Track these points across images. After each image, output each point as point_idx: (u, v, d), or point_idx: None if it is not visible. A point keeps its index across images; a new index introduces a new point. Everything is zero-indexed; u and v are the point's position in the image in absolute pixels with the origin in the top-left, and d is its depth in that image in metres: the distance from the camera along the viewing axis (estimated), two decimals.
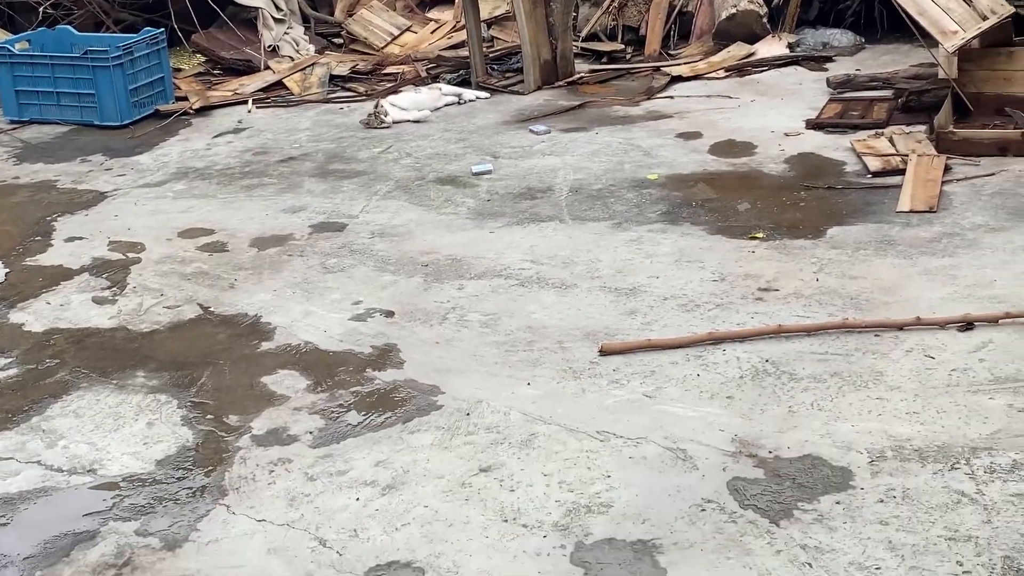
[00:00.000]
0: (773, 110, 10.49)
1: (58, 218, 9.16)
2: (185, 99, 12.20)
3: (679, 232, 7.85)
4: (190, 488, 5.41)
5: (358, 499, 5.18)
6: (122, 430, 5.98)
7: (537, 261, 7.55)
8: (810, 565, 4.50)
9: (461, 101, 11.33)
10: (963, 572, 4.38)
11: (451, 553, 4.78)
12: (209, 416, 6.06)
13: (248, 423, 5.95)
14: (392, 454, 5.55)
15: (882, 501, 4.86)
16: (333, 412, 6.00)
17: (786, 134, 9.75)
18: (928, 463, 5.09)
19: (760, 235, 7.69)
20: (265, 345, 6.75)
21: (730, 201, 8.39)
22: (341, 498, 5.23)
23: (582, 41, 12.93)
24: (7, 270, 8.18)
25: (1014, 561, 4.41)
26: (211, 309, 7.28)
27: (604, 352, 6.31)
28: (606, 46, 12.75)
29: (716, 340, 6.31)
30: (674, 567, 4.53)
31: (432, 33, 13.87)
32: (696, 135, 9.96)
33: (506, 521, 4.95)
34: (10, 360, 6.83)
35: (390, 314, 6.99)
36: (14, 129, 11.65)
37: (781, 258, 7.33)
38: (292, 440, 5.76)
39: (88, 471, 5.63)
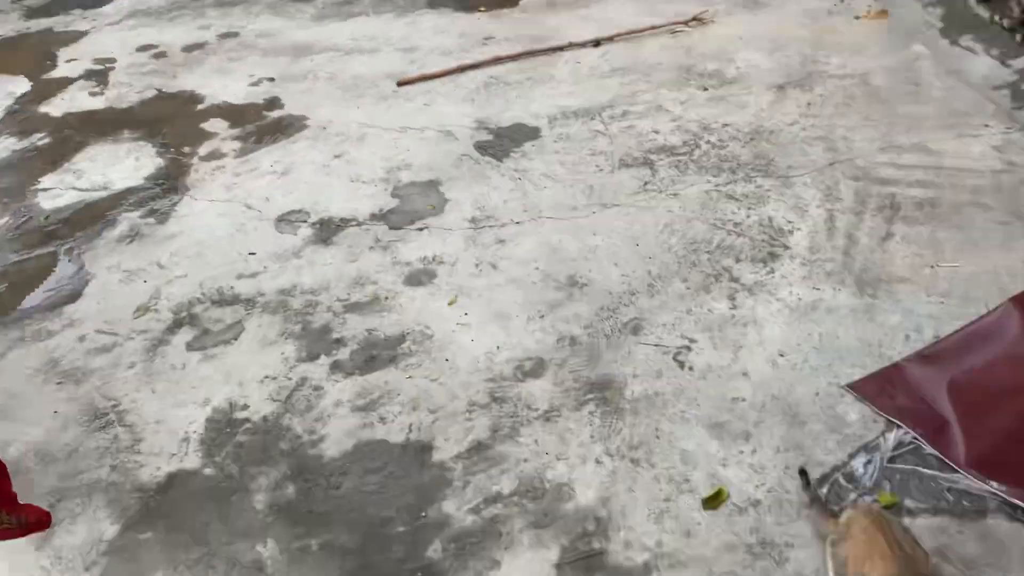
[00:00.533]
0: None
1: (60, 49, 8.28)
2: None
3: (436, 14, 7.55)
4: (167, 189, 5.30)
5: (266, 181, 5.19)
6: (120, 164, 5.72)
7: (355, 39, 7.20)
8: (520, 178, 4.78)
9: None
10: (599, 171, 4.73)
11: (323, 200, 4.88)
12: (172, 149, 5.83)
13: (196, 150, 5.75)
14: (283, 155, 5.49)
15: (556, 141, 5.12)
16: (245, 137, 5.85)
17: None
18: (580, 118, 5.34)
19: (483, 9, 7.50)
20: (199, 107, 6.39)
21: None
22: (256, 182, 5.21)
23: None
24: (31, 83, 7.47)
25: (625, 160, 4.76)
26: (163, 90, 6.80)
27: (400, 84, 6.23)
28: None
29: (463, 69, 6.28)
30: (448, 189, 4.76)
31: None
32: None
33: (352, 181, 5.05)
34: (44, 134, 6.35)
35: (272, 80, 6.65)
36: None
37: (495, 21, 7.18)
38: (223, 156, 5.62)
39: (104, 188, 5.44)
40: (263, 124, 6.06)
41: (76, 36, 8.73)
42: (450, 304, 3.94)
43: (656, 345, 3.55)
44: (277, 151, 5.57)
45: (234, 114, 6.28)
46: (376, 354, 3.70)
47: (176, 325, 4.04)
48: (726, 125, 5.03)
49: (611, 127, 5.20)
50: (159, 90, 6.86)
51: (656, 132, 5.07)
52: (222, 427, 3.44)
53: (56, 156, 6.04)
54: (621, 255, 4.06)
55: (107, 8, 9.65)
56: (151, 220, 5.02)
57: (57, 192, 5.53)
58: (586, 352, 3.56)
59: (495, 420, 3.32)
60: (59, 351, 4.01)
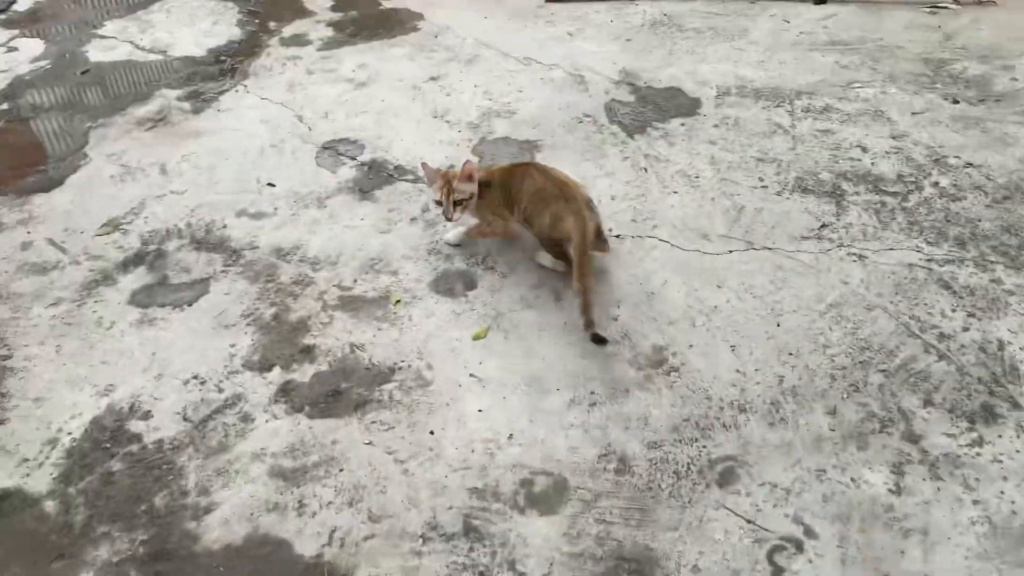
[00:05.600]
0: None
1: None
2: None
3: None
4: (225, 70, 4.33)
5: (337, 91, 4.09)
6: (194, 26, 4.82)
7: None
8: (645, 170, 3.44)
9: None
10: (761, 186, 3.32)
11: (389, 135, 3.73)
12: (256, 21, 4.85)
13: (282, 29, 4.75)
14: (373, 60, 4.36)
15: (716, 126, 3.66)
16: (343, 25, 4.76)
17: None
18: (761, 100, 3.85)
19: None
20: None
21: None
22: (325, 88, 4.11)
23: None
24: None
25: (804, 181, 3.30)
26: None
27: (549, 0, 5.00)
28: None
29: None
30: (546, 160, 3.44)
31: None
32: None
33: (435, 117, 3.85)
34: None
35: None
36: None
37: None
38: (305, 43, 4.57)
39: (161, 52, 4.54)
40: (370, 14, 4.94)
41: None
42: (475, 338, 2.77)
43: (748, 521, 2.21)
44: (369, 53, 4.44)
45: None
46: (344, 389, 2.56)
47: (136, 260, 3.07)
48: (972, 165, 3.37)
49: (800, 125, 3.69)
50: None
51: (863, 149, 3.53)
52: (102, 440, 2.43)
53: (130, 1, 5.24)
54: (747, 333, 2.67)
55: None
56: (186, 106, 4.06)
57: (112, 44, 4.69)
58: (635, 492, 2.26)
59: (453, 573, 2.12)
60: None
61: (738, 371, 2.55)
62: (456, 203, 2.91)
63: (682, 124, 3.72)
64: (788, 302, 2.78)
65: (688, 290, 2.84)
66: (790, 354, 2.60)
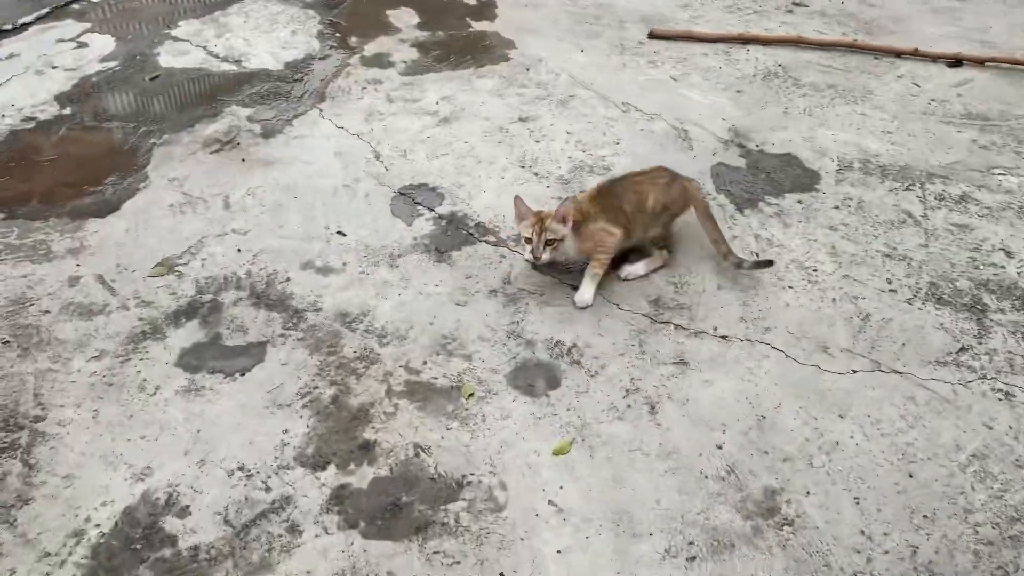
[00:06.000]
0: None
1: None
2: None
3: None
4: (300, 88, 4.07)
5: (418, 126, 3.80)
6: (272, 34, 4.56)
7: None
8: (756, 255, 3.11)
9: None
10: (889, 289, 2.94)
11: (470, 185, 3.41)
12: (338, 35, 4.59)
13: (364, 46, 4.47)
14: (458, 92, 4.06)
15: (838, 208, 3.29)
16: (428, 47, 4.47)
17: None
18: (887, 180, 3.46)
19: None
20: None
21: None
22: (406, 122, 3.82)
23: None
24: None
25: (938, 288, 2.90)
26: None
27: (652, 36, 4.56)
28: None
29: (745, 41, 4.50)
30: None
31: None
32: None
33: (523, 166, 3.53)
34: None
35: None
36: None
37: None
38: (388, 65, 4.30)
39: (235, 61, 4.29)
40: (458, 36, 4.64)
41: None
42: (556, 453, 2.46)
43: None
44: (454, 83, 4.13)
45: (432, 9, 4.88)
46: (405, 503, 2.24)
47: (188, 311, 2.80)
48: None
49: (933, 216, 3.26)
50: None
51: (1007, 254, 3.06)
52: (133, 539, 2.14)
53: (207, 0, 5.00)
54: (873, 482, 2.29)
55: None
56: (257, 128, 3.81)
57: (184, 48, 4.46)
58: None
59: None
60: (39, 287, 2.90)
61: (863, 533, 2.19)
62: (548, 243, 2.81)
63: (799, 202, 3.34)
64: (921, 446, 2.41)
65: (806, 418, 2.48)
66: (924, 517, 2.23)
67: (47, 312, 2.84)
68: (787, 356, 2.67)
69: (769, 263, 2.94)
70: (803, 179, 3.46)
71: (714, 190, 3.39)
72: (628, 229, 2.94)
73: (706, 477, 2.31)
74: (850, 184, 3.43)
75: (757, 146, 3.66)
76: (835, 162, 3.55)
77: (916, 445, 2.40)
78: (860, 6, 4.90)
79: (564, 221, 2.84)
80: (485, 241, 3.15)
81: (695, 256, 3.05)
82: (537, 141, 3.70)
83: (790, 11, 4.83)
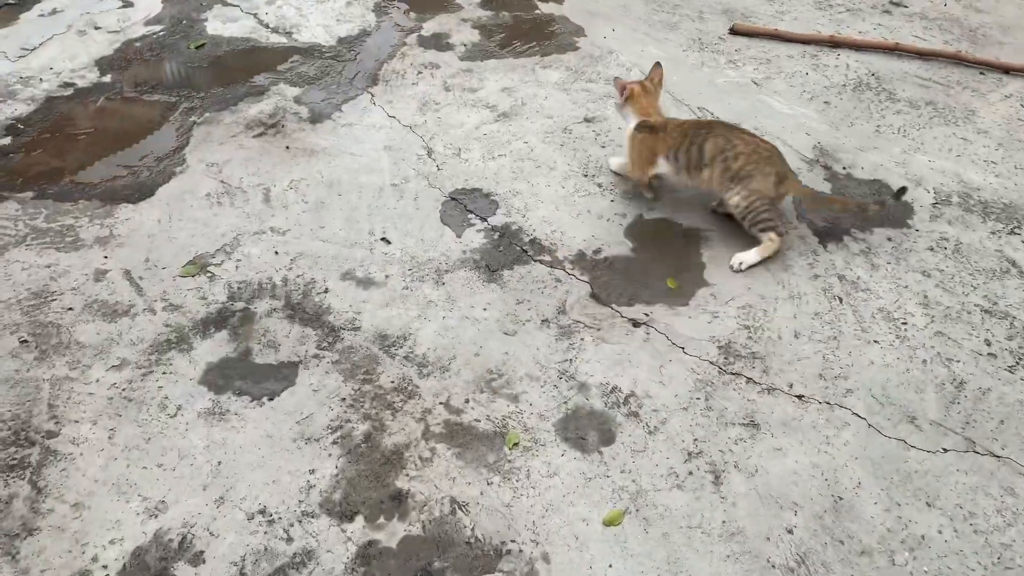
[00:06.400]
0: None
1: None
2: None
3: None
4: (353, 68, 3.80)
5: (475, 120, 3.54)
6: (326, 3, 4.28)
7: None
8: (840, 300, 2.80)
9: None
10: (987, 353, 2.63)
11: (527, 193, 3.15)
12: (395, 8, 4.37)
13: (422, 23, 4.19)
14: (520, 84, 3.77)
15: (932, 249, 2.99)
16: (491, 30, 4.17)
17: None
18: (989, 220, 3.13)
19: None
20: None
21: None
22: (462, 115, 3.56)
23: None
24: None
25: None
26: None
27: (734, 32, 4.19)
28: None
29: (835, 44, 4.12)
30: (712, 266, 2.82)
31: None
32: None
33: (585, 175, 3.26)
34: None
35: None
36: None
37: None
38: (447, 47, 4.02)
39: (286, 33, 4.05)
40: (524, 19, 4.31)
41: None
42: (607, 523, 2.23)
43: None
44: (517, 72, 3.84)
45: None
46: (437, 570, 2.02)
47: (218, 320, 2.61)
48: None
49: None
50: None
51: None
52: None
53: None
54: None
55: None
56: (304, 111, 3.59)
57: (234, 14, 4.21)
58: None
59: None
60: (63, 280, 2.73)
61: None
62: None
63: (889, 239, 3.03)
64: (1021, 550, 2.16)
65: (888, 503, 2.22)
66: None
67: (70, 309, 2.67)
68: (869, 425, 2.40)
69: (903, 191, 3.01)
70: (895, 211, 3.15)
71: (795, 218, 3.11)
72: (690, 170, 2.95)
73: (773, 567, 2.07)
74: (947, 222, 3.12)
75: (844, 169, 3.35)
76: (931, 194, 3.23)
77: (1015, 548, 2.13)
78: (965, 10, 4.48)
79: (621, 90, 3.07)
80: (540, 261, 2.90)
81: (772, 292, 2.80)
82: (603, 146, 3.42)
83: (887, 11, 4.43)
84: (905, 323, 2.71)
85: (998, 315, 2.75)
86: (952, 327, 2.71)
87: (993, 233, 3.06)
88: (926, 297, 2.81)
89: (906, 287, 2.84)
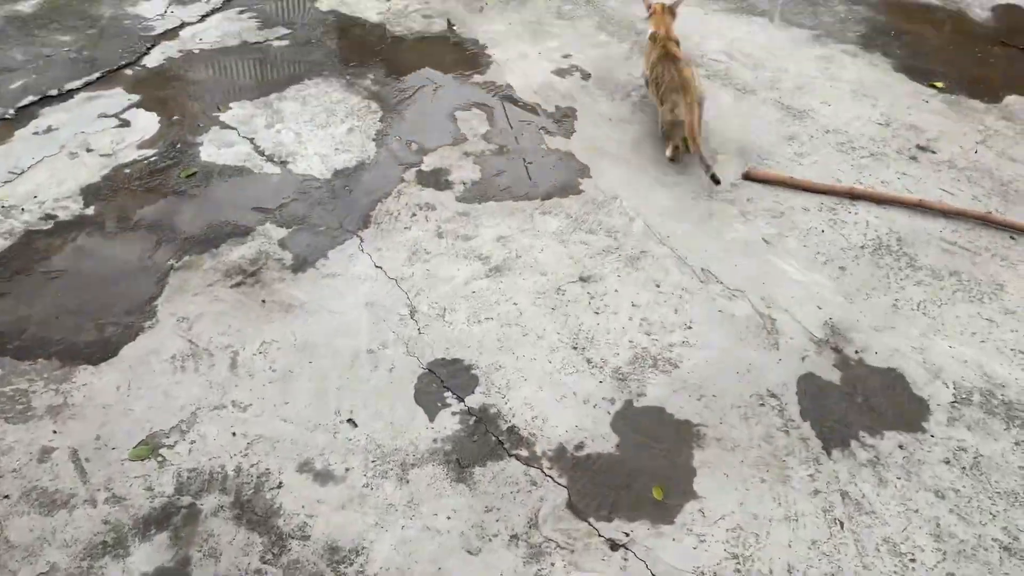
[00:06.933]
0: None
1: None
2: None
3: (868, 60, 4.98)
4: (345, 207, 3.65)
5: (465, 273, 3.35)
6: (326, 129, 4.16)
7: (731, 56, 4.95)
8: (841, 525, 2.57)
9: None
10: None
11: (510, 367, 2.95)
12: (397, 137, 4.19)
13: (423, 156, 4.07)
14: (517, 232, 3.60)
15: (948, 462, 2.72)
16: (492, 167, 3.97)
17: None
18: (1014, 427, 2.85)
19: (939, 84, 4.76)
20: (477, 77, 4.67)
21: (926, 39, 5.26)
22: (452, 267, 3.39)
23: None
24: None
25: None
26: (456, 28, 5.14)
27: (747, 177, 3.99)
28: None
29: (854, 196, 3.91)
30: (703, 472, 2.62)
31: None
32: None
33: (575, 348, 3.07)
34: (288, 32, 5.00)
35: (587, 77, 4.69)
36: None
37: (950, 115, 4.51)
38: (446, 186, 3.86)
39: (281, 162, 3.93)
40: (524, 149, 4.19)
41: None
42: None
43: None
44: (515, 217, 3.66)
45: (499, 113, 4.35)
46: None
47: (160, 519, 2.43)
48: None
49: None
50: (450, 26, 5.15)
51: None
52: None
53: (275, 75, 4.58)
54: None
55: None
56: (287, 257, 3.42)
57: (230, 138, 4.12)
58: None
59: None
60: (4, 460, 2.57)
61: None
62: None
63: (900, 446, 2.78)
64: None
65: None
66: None
67: (6, 498, 2.52)
68: None
69: (716, 181, 3.85)
70: (909, 410, 2.90)
71: (798, 413, 2.87)
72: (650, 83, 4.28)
73: None
74: (966, 427, 2.86)
75: (857, 352, 3.11)
76: (950, 389, 2.98)
77: None
78: (998, 159, 4.23)
79: (648, 7, 4.44)
80: (516, 456, 2.70)
81: (767, 510, 2.55)
82: (597, 312, 3.24)
83: (913, 158, 4.21)
84: (913, 559, 2.46)
85: (1019, 554, 2.49)
86: (966, 567, 2.44)
87: (1017, 444, 2.80)
88: (938, 526, 2.55)
89: (917, 511, 2.59)
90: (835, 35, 5.26)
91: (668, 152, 4.03)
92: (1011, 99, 4.67)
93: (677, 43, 4.25)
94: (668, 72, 4.04)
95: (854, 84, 4.76)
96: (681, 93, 3.93)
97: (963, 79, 4.86)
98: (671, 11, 4.38)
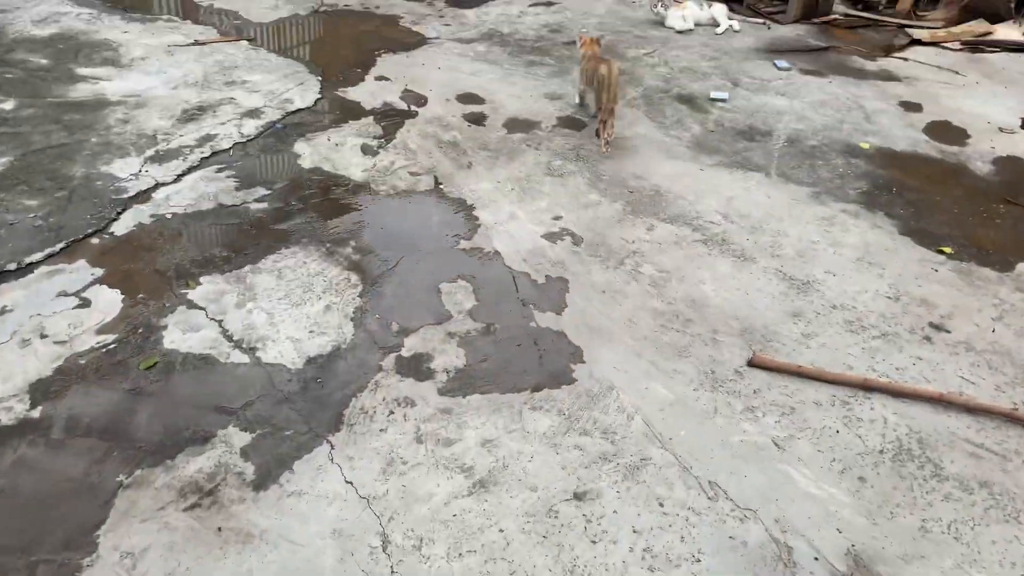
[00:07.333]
0: (995, 98, 6.64)
1: (382, 54, 6.85)
2: None
3: (871, 222, 4.83)
4: (316, 405, 3.35)
5: (446, 491, 3.02)
6: (302, 308, 3.90)
7: (728, 217, 4.79)
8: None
9: (730, 24, 7.95)
10: None
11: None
12: (377, 316, 3.90)
13: (403, 337, 3.77)
14: (504, 434, 3.29)
15: None
16: (478, 351, 3.70)
17: (1000, 129, 6.09)
18: None
19: (947, 250, 4.59)
20: (463, 243, 4.45)
21: (929, 196, 5.15)
22: (431, 482, 3.06)
23: None
24: (319, 96, 6.11)
25: None
26: (442, 186, 4.97)
27: (753, 364, 3.75)
28: None
29: (868, 388, 3.65)
30: None
31: None
32: (917, 108, 6.37)
33: None
34: (268, 193, 4.82)
35: (579, 242, 4.50)
36: None
37: (962, 287, 4.31)
38: (427, 376, 3.58)
39: (250, 349, 3.65)
40: (516, 334, 3.83)
41: (412, 43, 7.29)
42: None
43: None
44: (502, 415, 3.36)
45: (491, 288, 4.11)
46: None
47: None
48: None
49: None
50: (437, 183, 5.00)
51: None
52: None
53: (248, 243, 4.32)
54: None
55: (470, 13, 8.21)
56: (249, 470, 3.06)
57: (197, 320, 3.80)
58: None
59: None
60: None
61: None
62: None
63: None
64: None
65: None
66: None
67: None
68: None
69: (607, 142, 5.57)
70: None
71: None
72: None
73: None
74: None
75: None
76: None
77: None
78: (1018, 340, 3.95)
79: (580, 40, 6.12)
80: None
81: None
82: (593, 541, 2.89)
83: (927, 338, 3.96)
84: None
85: None
86: None
87: None
88: None
89: None
90: (835, 193, 5.13)
91: (599, 125, 5.70)
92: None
93: (600, 57, 5.85)
94: (595, 70, 5.65)
95: (859, 250, 4.58)
96: (604, 86, 5.51)
97: (971, 243, 4.68)
98: (597, 41, 5.98)
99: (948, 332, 4.01)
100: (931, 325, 4.05)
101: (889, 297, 4.23)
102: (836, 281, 4.34)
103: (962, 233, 4.80)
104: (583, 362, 3.71)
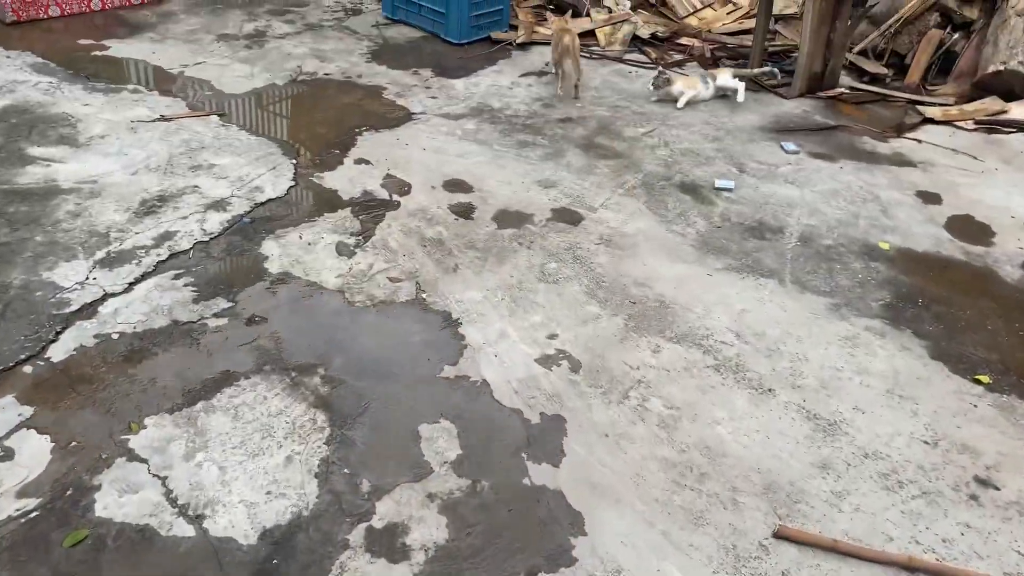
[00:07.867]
0: (1015, 187, 6.20)
1: (364, 132, 6.41)
2: (516, 28, 8.99)
3: (898, 343, 4.38)
4: None
5: None
6: (259, 459, 3.39)
7: (742, 336, 4.35)
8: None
9: (735, 95, 7.53)
10: None
11: None
12: (345, 472, 3.38)
13: (375, 500, 3.26)
14: None
15: None
16: (463, 520, 3.20)
17: None
18: None
19: (985, 379, 4.14)
20: (447, 369, 3.98)
21: (959, 309, 4.69)
22: None
23: (851, 54, 8.55)
24: (292, 184, 5.67)
25: None
26: (424, 296, 4.50)
27: (779, 536, 3.29)
28: (871, 66, 8.26)
29: (913, 569, 3.18)
30: None
31: (728, 14, 9.73)
32: (935, 199, 5.94)
33: None
34: (229, 307, 4.34)
35: (577, 368, 4.04)
36: (385, 25, 8.87)
37: (1006, 427, 3.86)
38: (402, 556, 3.06)
39: (196, 515, 3.13)
40: (508, 494, 3.32)
41: (397, 118, 6.83)
42: None
43: None
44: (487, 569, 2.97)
45: (478, 430, 3.62)
46: None
47: None
48: None
49: None
50: (419, 290, 4.53)
51: None
52: None
53: (203, 372, 3.75)
54: None
55: (458, 84, 7.74)
56: None
57: (136, 476, 3.26)
58: None
59: None
60: None
61: None
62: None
63: None
64: None
65: None
66: None
67: None
68: None
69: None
70: None
71: None
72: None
73: None
74: None
75: None
76: None
77: None
78: None
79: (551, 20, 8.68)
80: None
81: None
82: None
83: (974, 496, 3.45)
84: None
85: None
86: None
87: None
88: None
89: None
90: (856, 305, 4.70)
91: (559, 90, 7.37)
92: None
93: (566, 29, 7.25)
94: (560, 40, 7.19)
95: (888, 380, 4.13)
96: (570, 55, 7.14)
97: (1009, 368, 4.24)
98: (566, 20, 7.45)
99: (997, 489, 3.56)
100: (976, 480, 3.59)
101: (927, 442, 3.78)
102: (866, 421, 3.89)
103: (999, 356, 4.36)
104: (584, 534, 3.21)
